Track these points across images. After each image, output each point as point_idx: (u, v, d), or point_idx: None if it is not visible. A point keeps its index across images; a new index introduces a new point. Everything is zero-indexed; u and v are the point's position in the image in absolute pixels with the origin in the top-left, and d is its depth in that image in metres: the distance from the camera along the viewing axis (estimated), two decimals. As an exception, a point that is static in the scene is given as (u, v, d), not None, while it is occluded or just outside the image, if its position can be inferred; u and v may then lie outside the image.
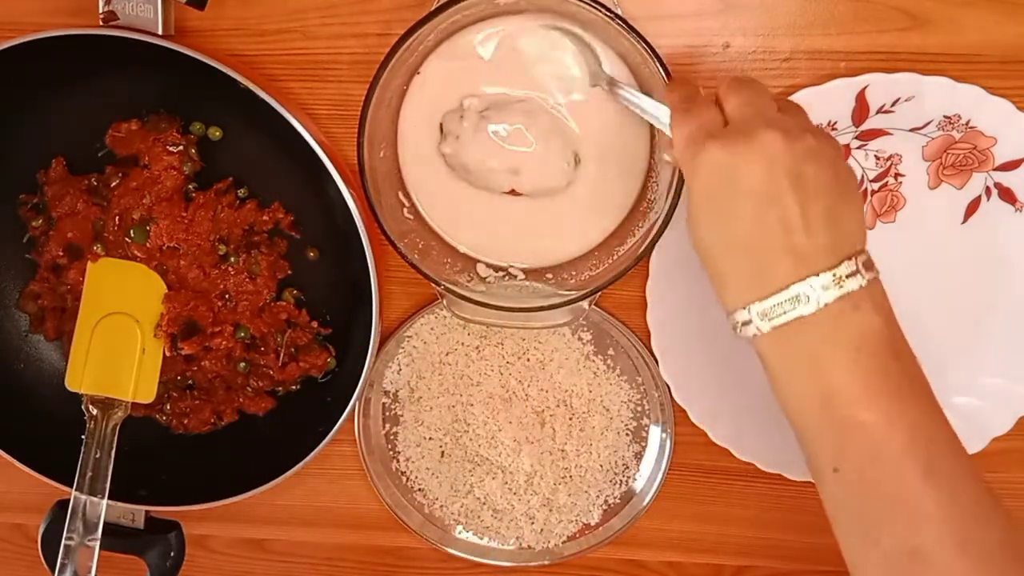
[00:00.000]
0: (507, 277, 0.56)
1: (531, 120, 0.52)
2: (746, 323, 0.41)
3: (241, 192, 0.60)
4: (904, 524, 0.39)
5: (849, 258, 0.40)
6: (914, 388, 0.41)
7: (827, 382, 0.40)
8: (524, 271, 0.56)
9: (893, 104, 0.53)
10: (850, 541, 0.41)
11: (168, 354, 0.62)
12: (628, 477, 0.66)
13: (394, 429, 0.67)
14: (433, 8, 0.47)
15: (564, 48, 0.51)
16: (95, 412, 0.62)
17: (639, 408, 0.65)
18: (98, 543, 0.60)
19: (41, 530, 0.66)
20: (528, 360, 0.64)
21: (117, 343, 0.61)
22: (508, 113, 0.52)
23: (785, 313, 0.40)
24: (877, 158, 0.56)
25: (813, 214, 0.40)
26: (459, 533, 0.68)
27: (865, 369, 0.40)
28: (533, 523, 0.67)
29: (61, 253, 0.61)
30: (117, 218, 0.59)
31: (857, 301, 0.40)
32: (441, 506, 0.68)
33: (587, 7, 0.46)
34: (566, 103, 0.52)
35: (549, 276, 0.56)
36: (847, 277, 0.40)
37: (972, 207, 0.57)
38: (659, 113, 0.47)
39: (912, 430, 0.39)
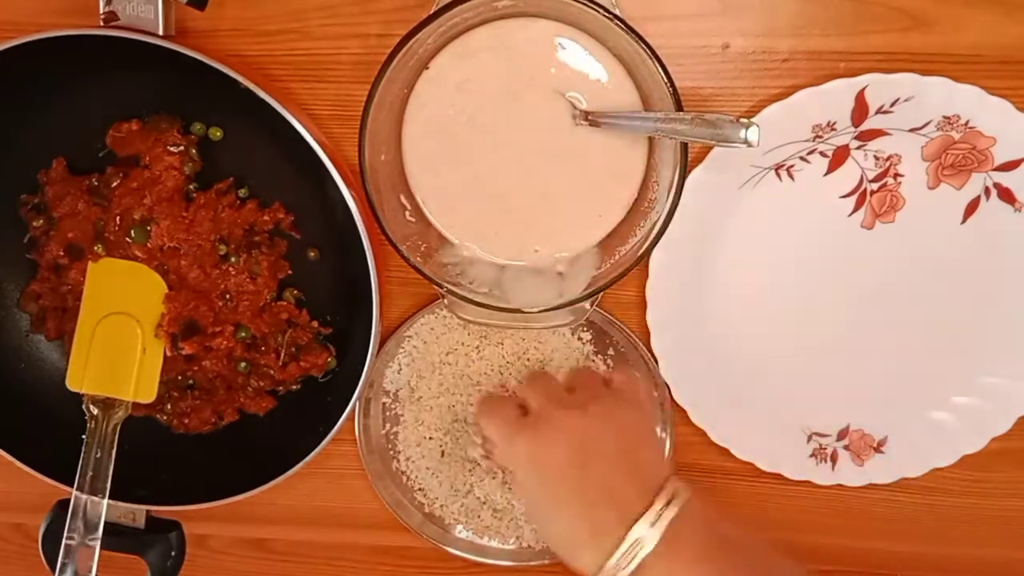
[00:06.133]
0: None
1: None
2: None
3: (242, 192, 0.60)
4: None
5: (659, 490, 0.46)
6: (754, 559, 0.46)
7: None
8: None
9: (892, 104, 0.53)
10: None
11: (169, 354, 0.62)
12: (628, 477, 0.66)
13: (394, 429, 0.67)
14: (433, 11, 0.47)
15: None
16: (96, 412, 0.62)
17: (639, 408, 0.65)
18: (99, 543, 0.61)
19: (42, 530, 0.66)
20: (528, 360, 0.64)
21: (118, 343, 0.61)
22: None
23: (634, 559, 0.44)
24: (876, 158, 0.56)
25: (617, 469, 0.47)
26: (459, 532, 0.68)
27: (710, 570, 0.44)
28: (533, 523, 0.67)
29: (62, 253, 0.61)
30: (118, 218, 0.59)
31: (680, 525, 0.45)
32: (441, 505, 0.68)
33: (586, 8, 0.46)
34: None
35: (550, 276, 0.56)
36: (665, 507, 0.45)
37: (971, 207, 0.57)
38: (641, 127, 0.49)
39: None
